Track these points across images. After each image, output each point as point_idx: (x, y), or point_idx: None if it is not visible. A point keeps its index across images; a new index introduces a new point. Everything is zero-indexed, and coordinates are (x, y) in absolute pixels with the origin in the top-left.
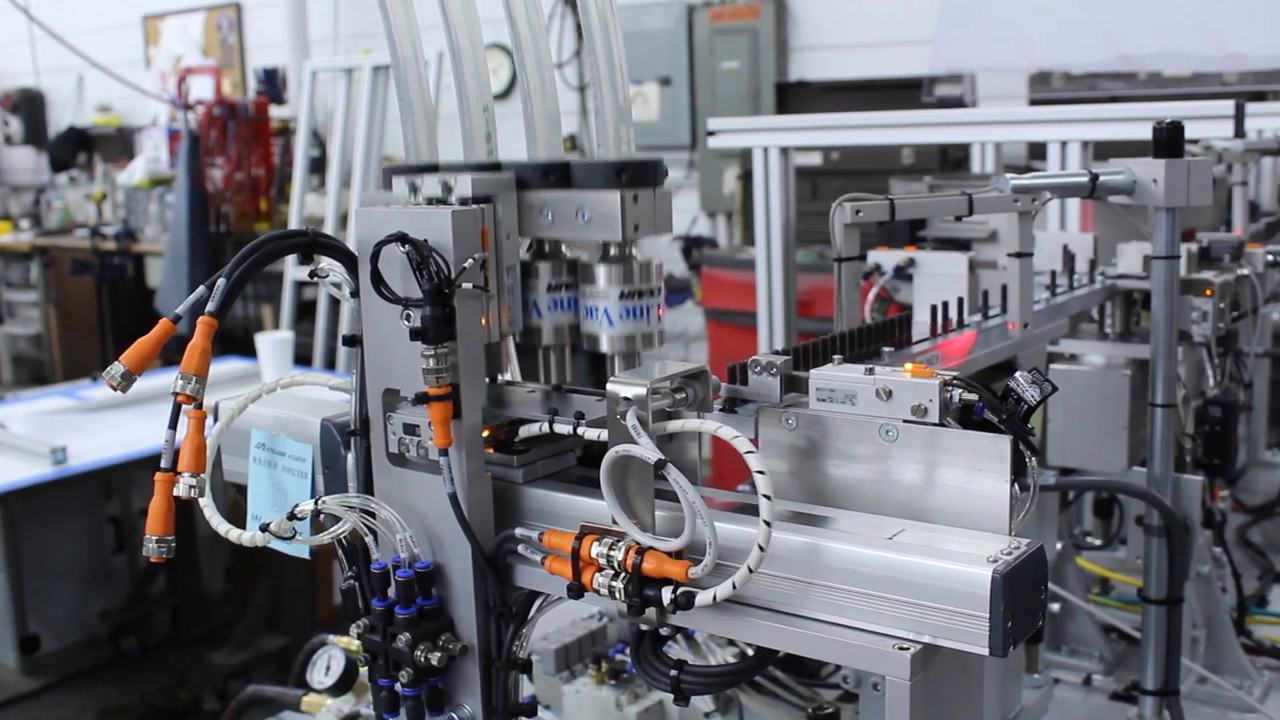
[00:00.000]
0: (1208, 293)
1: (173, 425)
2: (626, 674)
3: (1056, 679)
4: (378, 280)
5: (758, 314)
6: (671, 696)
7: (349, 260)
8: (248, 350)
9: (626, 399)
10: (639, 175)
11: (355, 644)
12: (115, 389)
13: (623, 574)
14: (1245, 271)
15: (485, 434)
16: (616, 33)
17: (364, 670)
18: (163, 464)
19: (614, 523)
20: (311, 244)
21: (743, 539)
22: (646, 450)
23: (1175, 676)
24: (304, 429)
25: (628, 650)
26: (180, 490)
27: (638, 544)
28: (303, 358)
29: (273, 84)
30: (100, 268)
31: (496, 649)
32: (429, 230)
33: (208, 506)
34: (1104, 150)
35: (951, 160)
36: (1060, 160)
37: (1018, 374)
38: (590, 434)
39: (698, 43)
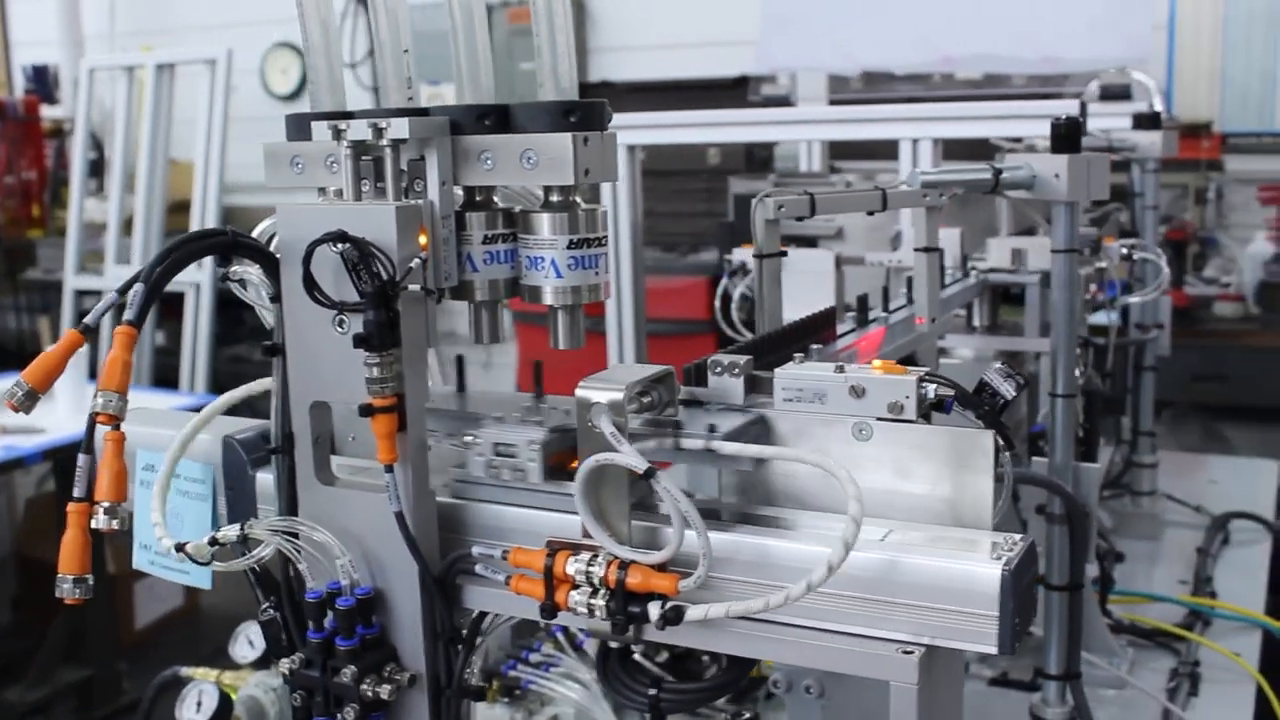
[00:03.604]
0: None
1: (88, 449)
2: (520, 690)
3: None
4: (311, 284)
5: (606, 317)
6: (572, 713)
7: (269, 262)
8: (20, 365)
9: (600, 404)
10: (588, 117)
11: (215, 674)
12: (17, 410)
13: (603, 590)
14: (1104, 264)
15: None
16: None
17: (240, 708)
18: (76, 493)
19: (585, 536)
20: (230, 244)
21: (724, 548)
22: (631, 458)
23: (1076, 660)
24: (202, 448)
25: (519, 666)
26: (99, 523)
27: (618, 558)
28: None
29: (43, 82)
30: None
31: (446, 677)
32: (368, 227)
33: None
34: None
35: (758, 160)
36: (912, 158)
37: (991, 369)
38: (730, 449)
39: (496, 43)
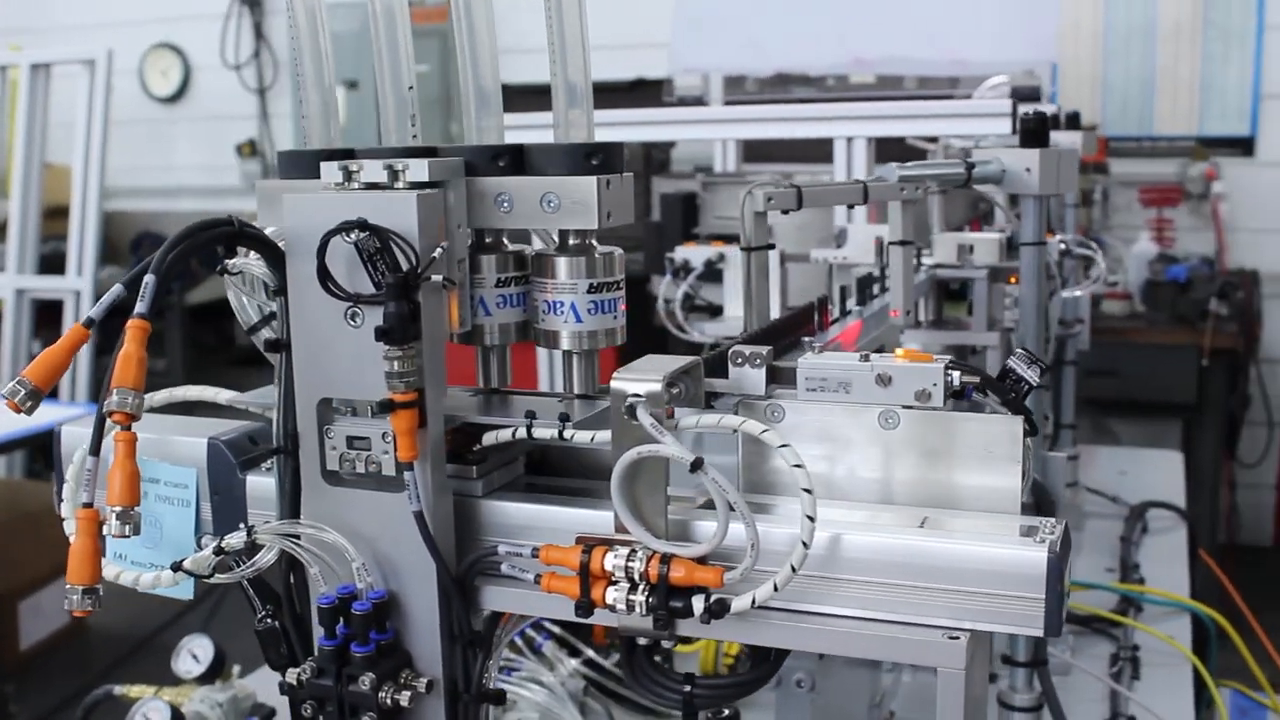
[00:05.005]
0: (1013, 280)
1: (95, 450)
2: None
3: None
4: (326, 275)
5: None
6: (536, 716)
7: (273, 254)
8: None
9: (637, 395)
10: (610, 159)
11: (153, 690)
12: (19, 410)
13: (644, 585)
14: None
15: None
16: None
17: None
18: (83, 498)
19: (619, 531)
20: (235, 234)
21: (766, 538)
22: (675, 449)
23: (1044, 647)
24: (183, 451)
25: None
26: (112, 529)
27: (658, 552)
28: None
29: None
30: None
31: (464, 681)
32: (388, 216)
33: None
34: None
35: (656, 162)
36: (846, 157)
37: (1014, 355)
38: (582, 436)
39: None
